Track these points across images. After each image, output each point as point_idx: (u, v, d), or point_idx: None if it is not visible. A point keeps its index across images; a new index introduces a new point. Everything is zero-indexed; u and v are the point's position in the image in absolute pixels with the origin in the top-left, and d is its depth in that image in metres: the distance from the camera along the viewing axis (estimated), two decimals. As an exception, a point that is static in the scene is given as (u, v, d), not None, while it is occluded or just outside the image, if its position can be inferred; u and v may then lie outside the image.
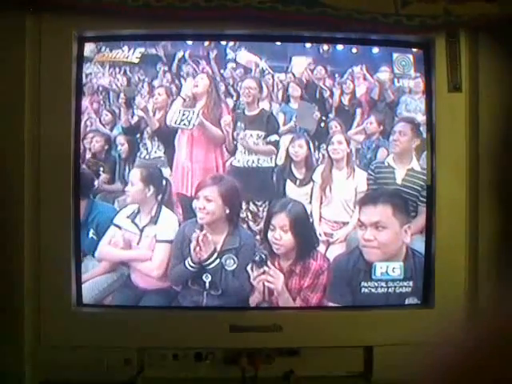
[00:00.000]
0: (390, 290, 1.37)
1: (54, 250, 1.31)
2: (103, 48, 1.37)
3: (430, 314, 1.35)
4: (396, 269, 1.37)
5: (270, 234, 1.40)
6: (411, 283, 1.37)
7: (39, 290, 1.31)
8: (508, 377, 0.44)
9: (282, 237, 1.39)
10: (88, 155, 1.38)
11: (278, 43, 1.42)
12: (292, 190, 1.42)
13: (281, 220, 1.39)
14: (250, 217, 1.41)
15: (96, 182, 1.39)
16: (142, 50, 1.37)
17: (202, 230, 1.39)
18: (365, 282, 1.37)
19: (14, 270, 1.30)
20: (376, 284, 1.37)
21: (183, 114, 1.40)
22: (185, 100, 1.41)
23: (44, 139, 1.31)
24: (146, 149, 1.40)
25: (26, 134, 1.31)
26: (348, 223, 1.41)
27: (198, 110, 1.41)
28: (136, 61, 1.37)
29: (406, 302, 1.38)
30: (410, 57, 1.39)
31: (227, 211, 1.40)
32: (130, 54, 1.37)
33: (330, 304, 1.38)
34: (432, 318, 1.33)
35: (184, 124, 1.40)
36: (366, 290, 1.37)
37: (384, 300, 1.38)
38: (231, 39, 1.39)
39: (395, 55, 1.39)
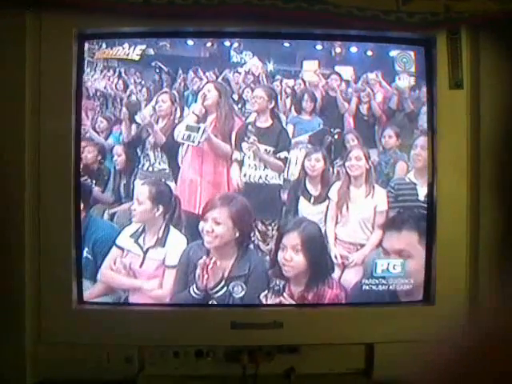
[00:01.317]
0: (390, 287, 1.37)
1: (55, 247, 1.30)
2: (103, 45, 1.35)
3: (431, 312, 1.35)
4: (397, 266, 1.36)
5: (279, 255, 1.33)
6: (412, 280, 1.37)
7: (40, 287, 1.30)
8: (509, 375, 0.44)
9: (292, 258, 1.32)
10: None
11: (287, 45, 1.37)
12: (305, 208, 1.34)
13: (293, 239, 1.33)
14: (259, 237, 1.34)
15: (92, 196, 1.34)
16: (143, 47, 1.35)
17: (208, 255, 1.32)
18: (366, 280, 1.37)
19: (15, 267, 1.30)
20: (377, 281, 1.36)
21: (189, 131, 1.33)
22: (198, 116, 1.34)
23: (44, 138, 1.30)
24: (149, 160, 1.34)
25: (27, 133, 1.30)
26: (365, 245, 1.35)
27: (205, 126, 1.34)
28: (136, 58, 1.35)
29: (407, 299, 1.38)
30: (411, 53, 1.39)
31: (237, 234, 1.33)
32: (131, 51, 1.35)
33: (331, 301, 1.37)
34: (433, 315, 1.33)
35: (191, 141, 1.33)
36: (367, 287, 1.37)
37: (385, 297, 1.37)
38: (233, 37, 1.36)
39: (396, 52, 1.38)
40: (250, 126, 1.35)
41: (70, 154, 1.31)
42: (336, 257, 1.35)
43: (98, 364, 1.33)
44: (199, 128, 1.33)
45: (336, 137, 1.35)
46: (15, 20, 1.29)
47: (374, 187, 1.35)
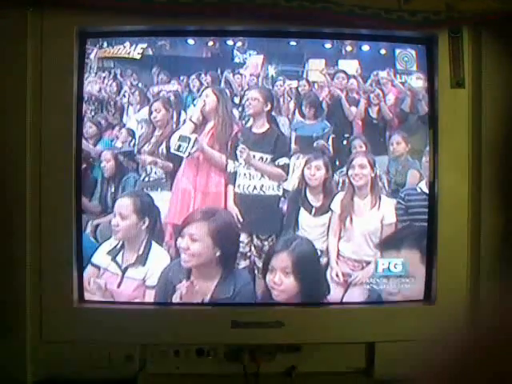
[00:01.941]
0: (391, 286, 1.37)
1: (56, 245, 1.30)
2: (104, 44, 1.34)
3: (432, 311, 1.35)
4: (398, 265, 1.36)
5: (268, 278, 1.26)
6: (413, 279, 1.37)
7: (41, 285, 1.30)
8: (508, 373, 0.44)
9: (282, 281, 1.25)
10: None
11: (293, 43, 1.32)
12: (306, 220, 1.26)
13: (282, 260, 1.24)
14: (254, 253, 1.25)
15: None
16: (144, 45, 1.33)
17: (188, 277, 1.24)
18: (367, 279, 1.37)
19: (16, 266, 1.30)
20: (378, 280, 1.36)
21: (180, 141, 1.25)
22: (195, 124, 1.26)
23: (45, 137, 1.30)
24: (145, 170, 1.27)
25: (28, 131, 1.30)
26: (370, 263, 1.29)
27: (196, 136, 1.26)
28: (138, 57, 1.33)
29: (408, 298, 1.37)
30: (413, 52, 1.38)
31: (218, 253, 1.23)
32: (132, 50, 1.33)
33: (332, 300, 1.36)
34: (433, 314, 1.33)
35: (182, 152, 1.25)
36: (368, 287, 1.37)
37: (386, 296, 1.37)
38: (235, 35, 1.33)
39: (398, 51, 1.38)
40: (240, 133, 1.27)
41: (71, 152, 1.31)
42: (338, 275, 1.28)
43: (99, 362, 1.33)
44: (190, 139, 1.26)
45: (345, 142, 1.26)
46: (17, 19, 1.29)
47: (380, 198, 1.27)
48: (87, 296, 1.33)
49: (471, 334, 0.50)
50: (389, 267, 1.35)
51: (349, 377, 1.38)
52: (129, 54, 1.33)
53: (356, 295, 1.31)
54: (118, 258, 1.26)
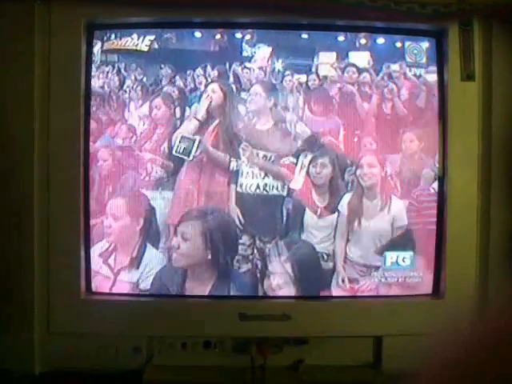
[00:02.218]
0: (400, 279, 1.36)
1: (64, 236, 1.30)
2: (112, 36, 1.33)
3: (440, 305, 1.34)
4: (406, 259, 1.35)
5: (266, 284, 1.24)
6: (421, 273, 1.37)
7: (48, 277, 1.31)
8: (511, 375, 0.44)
9: (281, 287, 1.24)
10: None
11: (305, 36, 1.28)
12: (311, 222, 1.21)
13: (281, 265, 1.22)
14: (257, 255, 1.22)
15: None
16: (152, 37, 1.31)
17: (183, 279, 1.20)
18: (374, 272, 1.36)
19: (24, 257, 1.30)
20: (386, 274, 1.36)
21: (183, 143, 1.21)
22: (200, 121, 1.21)
23: (53, 131, 1.30)
24: (146, 169, 1.23)
25: (36, 130, 1.30)
26: (379, 268, 1.26)
27: (200, 138, 1.22)
28: (145, 49, 1.30)
29: (416, 292, 1.37)
30: (422, 45, 1.37)
31: (209, 256, 1.20)
32: (140, 42, 1.31)
33: (339, 293, 1.36)
34: (442, 308, 1.32)
35: (185, 155, 1.21)
36: (376, 280, 1.36)
37: (394, 290, 1.37)
38: (244, 28, 1.31)
39: (407, 43, 1.37)
40: (243, 129, 1.23)
41: (80, 146, 1.31)
42: (344, 281, 1.25)
43: (106, 354, 1.33)
44: (194, 141, 1.22)
45: (355, 139, 1.22)
46: (24, 11, 1.29)
47: (390, 199, 1.22)
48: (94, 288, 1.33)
49: (475, 334, 0.50)
50: (397, 260, 1.35)
51: (356, 370, 1.38)
52: (136, 46, 1.31)
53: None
54: (110, 261, 1.24)
